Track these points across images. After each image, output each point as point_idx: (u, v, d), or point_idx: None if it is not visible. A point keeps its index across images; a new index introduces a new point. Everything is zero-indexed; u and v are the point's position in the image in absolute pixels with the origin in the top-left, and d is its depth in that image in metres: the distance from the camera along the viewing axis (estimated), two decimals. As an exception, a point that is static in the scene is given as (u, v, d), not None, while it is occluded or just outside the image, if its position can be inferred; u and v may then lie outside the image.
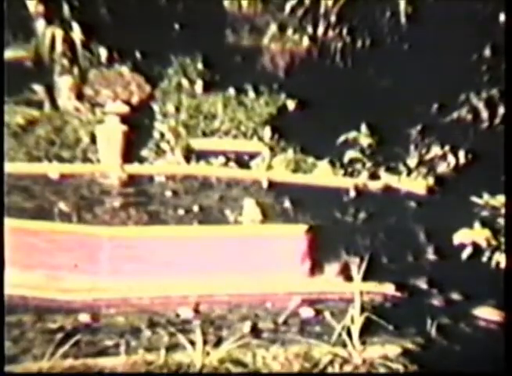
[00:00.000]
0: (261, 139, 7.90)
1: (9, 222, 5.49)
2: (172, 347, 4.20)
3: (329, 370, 4.14)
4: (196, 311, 4.85)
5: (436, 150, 6.45)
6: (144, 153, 7.74)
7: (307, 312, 4.95)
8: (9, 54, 7.42)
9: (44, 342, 4.19)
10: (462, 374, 4.14)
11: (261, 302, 5.06)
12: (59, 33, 7.31)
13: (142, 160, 7.68)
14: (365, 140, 7.25)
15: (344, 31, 6.87)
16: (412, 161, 6.67)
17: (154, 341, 4.35)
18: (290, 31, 7.34)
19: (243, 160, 7.81)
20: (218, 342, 4.30)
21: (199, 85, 8.04)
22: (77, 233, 5.36)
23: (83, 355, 4.06)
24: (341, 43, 6.92)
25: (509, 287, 4.62)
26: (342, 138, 7.47)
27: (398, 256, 5.57)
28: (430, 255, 5.64)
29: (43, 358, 3.91)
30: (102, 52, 7.61)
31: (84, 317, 4.60)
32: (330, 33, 6.94)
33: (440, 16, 6.16)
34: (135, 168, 7.61)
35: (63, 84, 7.71)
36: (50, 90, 7.68)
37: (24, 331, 4.38)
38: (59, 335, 4.26)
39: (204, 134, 8.07)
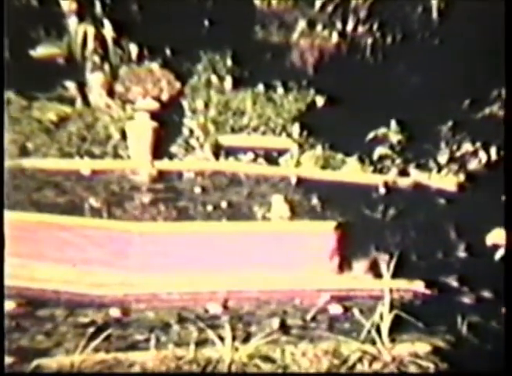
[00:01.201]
0: (289, 135, 7.89)
1: (41, 217, 5.57)
2: (201, 342, 4.23)
3: (359, 367, 4.13)
4: (225, 307, 4.87)
5: (467, 147, 6.38)
6: (173, 149, 7.78)
7: (335, 309, 4.94)
8: (42, 51, 7.51)
9: (76, 336, 4.24)
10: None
11: (290, 299, 5.06)
12: (90, 30, 7.38)
13: (171, 156, 7.73)
14: (394, 136, 7.20)
15: (375, 27, 6.82)
16: (442, 158, 6.61)
17: (184, 336, 4.38)
18: (319, 27, 7.31)
19: (271, 157, 7.80)
20: (247, 338, 4.32)
21: (228, 82, 8.05)
22: (107, 229, 5.41)
23: (114, 349, 4.11)
24: (371, 39, 6.87)
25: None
26: (371, 134, 7.43)
27: (427, 253, 5.53)
28: (461, 253, 5.58)
29: (75, 351, 3.96)
30: (133, 49, 7.66)
31: (114, 312, 4.65)
32: (360, 28, 6.89)
33: (472, 12, 6.09)
34: (164, 164, 7.66)
35: (95, 81, 7.79)
36: (82, 87, 7.77)
37: (57, 325, 4.44)
38: (91, 329, 4.31)
39: (233, 130, 8.09)
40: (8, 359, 3.91)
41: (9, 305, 4.64)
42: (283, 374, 3.93)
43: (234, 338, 4.18)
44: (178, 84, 7.50)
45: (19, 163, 7.31)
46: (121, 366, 3.95)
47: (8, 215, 5.61)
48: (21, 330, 4.34)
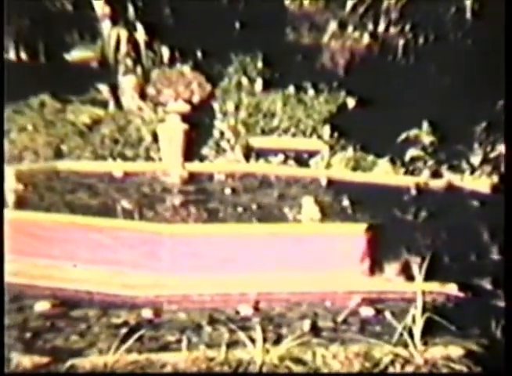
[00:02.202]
0: (320, 137, 7.87)
1: (74, 218, 5.63)
2: (233, 344, 4.23)
3: (391, 370, 4.10)
4: (256, 308, 4.87)
5: (501, 148, 6.29)
6: (204, 151, 7.81)
7: (367, 312, 4.91)
8: (76, 55, 7.62)
9: (109, 337, 4.28)
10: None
11: (321, 301, 5.05)
12: (123, 33, 7.46)
13: (202, 158, 7.76)
14: (427, 138, 7.14)
15: (407, 28, 6.77)
16: (475, 159, 6.53)
17: (215, 337, 4.39)
18: (350, 29, 7.29)
19: (302, 159, 7.79)
20: (278, 340, 4.31)
21: (258, 84, 8.06)
22: (139, 230, 5.46)
23: (146, 350, 4.14)
24: (403, 40, 6.82)
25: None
26: (403, 135, 7.37)
27: (460, 256, 5.47)
28: (495, 255, 5.51)
29: (108, 352, 4.00)
30: (165, 52, 7.73)
31: (146, 313, 4.68)
32: (392, 29, 6.85)
33: (506, 12, 6.01)
34: (195, 166, 7.69)
35: (127, 83, 7.87)
36: (114, 90, 7.85)
37: (90, 326, 4.49)
38: (123, 330, 4.35)
39: (264, 132, 8.10)
40: (42, 359, 3.97)
41: (44, 306, 4.70)
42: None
43: (265, 340, 4.18)
44: (208, 87, 7.53)
45: (53, 165, 7.41)
46: (154, 366, 3.98)
47: (42, 216, 5.70)
48: (56, 331, 4.40)
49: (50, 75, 7.72)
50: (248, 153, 7.92)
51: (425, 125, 7.10)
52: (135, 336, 4.17)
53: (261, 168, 7.86)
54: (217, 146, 7.90)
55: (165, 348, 4.21)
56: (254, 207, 6.35)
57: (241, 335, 4.23)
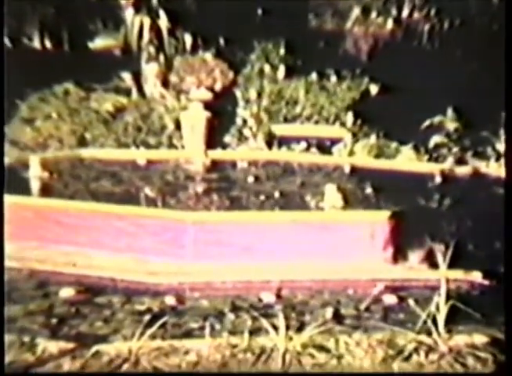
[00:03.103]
0: (343, 124, 7.84)
1: (98, 206, 5.67)
2: (255, 331, 4.24)
3: (414, 357, 4.07)
4: (278, 296, 4.87)
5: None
6: (227, 139, 7.82)
7: (390, 299, 4.88)
8: (100, 43, 7.64)
9: (133, 323, 4.30)
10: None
11: (343, 288, 5.03)
12: (146, 21, 7.47)
13: (224, 146, 7.78)
14: (451, 124, 7.06)
15: (432, 12, 6.67)
16: (501, 146, 6.44)
17: (238, 324, 4.40)
18: (373, 14, 7.22)
19: (324, 146, 7.76)
20: (301, 327, 4.31)
21: (281, 71, 8.03)
22: (162, 218, 5.47)
23: (169, 336, 4.16)
24: (428, 25, 6.73)
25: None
26: (427, 122, 7.31)
27: (485, 243, 5.41)
28: (520, 243, 5.44)
29: (132, 338, 4.02)
30: (187, 39, 7.72)
31: (170, 300, 4.70)
32: (416, 15, 6.76)
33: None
34: (217, 153, 7.71)
35: (150, 71, 7.89)
36: (137, 77, 7.87)
37: (114, 312, 4.52)
38: (147, 317, 4.37)
39: (286, 119, 8.08)
40: (68, 345, 4.01)
41: (69, 292, 4.75)
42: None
43: (288, 327, 4.17)
44: (231, 74, 7.53)
45: (77, 153, 7.47)
46: (177, 353, 4.00)
47: (66, 203, 5.74)
48: (80, 317, 4.44)
49: (74, 63, 7.76)
50: (271, 140, 7.90)
51: (450, 112, 7.02)
52: (159, 323, 4.19)
53: (283, 155, 7.84)
54: (239, 134, 7.90)
55: (188, 334, 4.23)
56: (277, 194, 6.34)
57: (264, 322, 4.23)
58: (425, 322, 4.30)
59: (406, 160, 7.26)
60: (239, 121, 7.83)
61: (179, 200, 6.16)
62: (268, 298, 4.87)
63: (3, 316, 3.92)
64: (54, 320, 4.38)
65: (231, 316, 4.54)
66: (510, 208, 4.53)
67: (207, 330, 4.18)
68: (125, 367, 3.88)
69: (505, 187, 4.75)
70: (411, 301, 4.72)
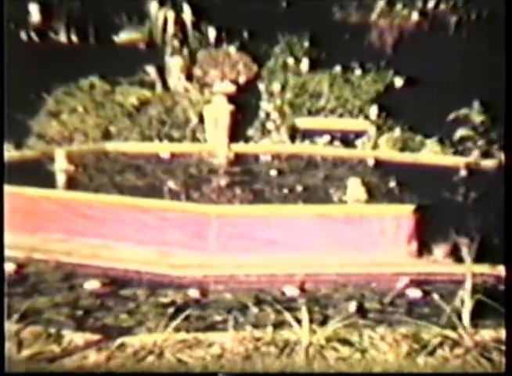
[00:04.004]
0: (367, 117, 7.79)
1: (123, 199, 5.70)
2: (279, 324, 4.24)
3: (439, 352, 4.04)
4: (302, 289, 4.87)
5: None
6: (250, 132, 7.82)
7: (414, 293, 4.86)
8: (125, 36, 7.68)
9: (157, 316, 4.33)
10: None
11: (367, 282, 5.01)
12: (170, 14, 7.49)
13: (248, 139, 7.78)
14: (477, 117, 6.99)
15: (459, 3, 6.59)
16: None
17: (261, 317, 4.40)
18: (399, 6, 7.15)
19: (348, 139, 7.73)
20: (324, 321, 4.30)
21: (305, 64, 8.00)
22: (185, 211, 5.49)
23: (193, 329, 4.17)
24: (455, 16, 6.65)
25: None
26: (453, 115, 7.24)
27: (511, 237, 5.35)
28: (547, 237, 5.37)
29: (156, 330, 4.05)
30: (211, 33, 7.73)
31: (193, 293, 4.72)
32: (442, 6, 6.68)
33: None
34: (241, 147, 7.71)
35: (174, 65, 7.91)
36: (161, 71, 7.90)
37: (139, 304, 4.55)
38: (171, 309, 4.39)
39: (310, 113, 8.05)
40: (94, 337, 4.04)
41: (94, 285, 4.79)
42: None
43: (311, 321, 4.17)
44: (255, 67, 7.52)
45: (102, 146, 7.52)
46: (201, 345, 4.01)
47: (92, 197, 5.79)
48: (105, 309, 4.47)
49: (99, 57, 7.81)
50: (294, 133, 7.89)
51: (476, 104, 6.94)
52: (183, 315, 4.21)
53: (306, 148, 7.82)
54: (262, 127, 7.89)
55: (212, 327, 4.25)
56: (300, 188, 6.33)
57: (287, 316, 4.23)
58: (450, 316, 4.27)
59: (431, 153, 7.20)
60: (262, 115, 7.82)
61: (202, 193, 6.17)
62: (292, 291, 4.87)
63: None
64: (80, 312, 4.42)
65: (254, 310, 4.54)
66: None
67: (231, 323, 4.19)
68: (150, 359, 3.91)
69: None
70: (436, 296, 4.69)
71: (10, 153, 7.34)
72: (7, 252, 5.23)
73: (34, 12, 7.39)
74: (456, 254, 5.23)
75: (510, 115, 4.86)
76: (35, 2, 7.29)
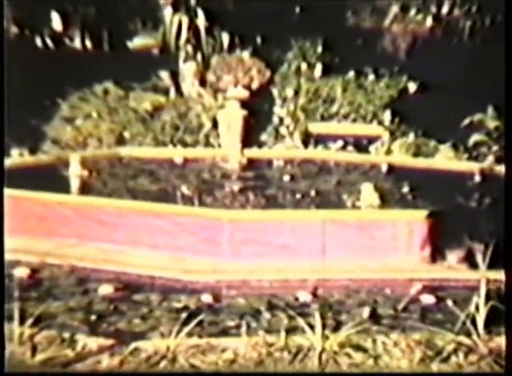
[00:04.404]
0: (381, 122, 7.78)
1: (136, 204, 5.72)
2: (292, 330, 4.23)
3: (453, 359, 4.02)
4: (315, 295, 4.86)
5: None
6: (263, 137, 7.84)
7: (428, 299, 4.83)
8: (138, 42, 7.72)
9: (170, 321, 4.34)
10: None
11: (380, 288, 4.99)
12: (184, 20, 7.52)
13: (261, 144, 7.79)
14: (491, 122, 6.96)
15: (473, 9, 6.57)
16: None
17: (274, 323, 4.40)
18: (412, 11, 7.14)
19: (361, 145, 7.72)
20: (337, 327, 4.29)
21: (318, 69, 8.01)
22: (198, 216, 5.50)
23: (206, 334, 4.18)
24: (469, 21, 6.62)
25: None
26: (467, 120, 7.21)
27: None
28: (562, 244, 5.33)
29: (169, 336, 4.06)
30: (225, 38, 7.75)
31: (206, 298, 4.73)
32: (456, 11, 6.67)
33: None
34: (254, 152, 7.72)
35: (187, 70, 7.94)
36: (175, 76, 7.93)
37: (152, 309, 4.56)
38: (184, 314, 4.40)
39: (323, 118, 8.05)
40: (107, 341, 4.06)
41: (107, 289, 4.80)
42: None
43: (324, 327, 4.16)
44: (268, 73, 7.53)
45: (116, 151, 7.56)
46: (214, 351, 4.02)
47: (105, 201, 5.81)
48: (119, 314, 4.49)
49: (113, 63, 7.85)
50: (307, 139, 7.89)
51: (490, 110, 6.91)
52: (196, 320, 4.21)
53: (319, 154, 7.82)
54: (276, 133, 7.90)
55: (225, 332, 4.25)
56: (313, 193, 6.32)
57: (300, 321, 4.23)
58: (464, 323, 4.25)
59: (445, 158, 7.18)
60: (275, 120, 7.83)
61: (215, 198, 6.18)
62: (305, 297, 4.87)
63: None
64: (93, 317, 4.44)
65: (267, 315, 4.54)
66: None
67: (244, 329, 4.19)
68: (163, 364, 3.92)
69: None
70: (449, 302, 4.67)
71: (25, 158, 7.40)
72: (21, 257, 5.30)
73: (56, 20, 7.44)
74: (470, 260, 5.21)
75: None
76: (55, 10, 7.35)
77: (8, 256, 5.28)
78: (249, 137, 7.35)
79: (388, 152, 7.49)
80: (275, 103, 7.85)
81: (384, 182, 6.51)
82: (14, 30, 7.70)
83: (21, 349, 3.95)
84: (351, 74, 7.95)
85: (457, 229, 5.43)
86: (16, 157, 7.40)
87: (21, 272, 5.05)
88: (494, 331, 4.21)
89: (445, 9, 6.85)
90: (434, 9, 7.01)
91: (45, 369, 3.83)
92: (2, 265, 4.32)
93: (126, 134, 7.85)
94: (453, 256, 5.38)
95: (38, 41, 7.91)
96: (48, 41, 7.73)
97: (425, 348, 4.08)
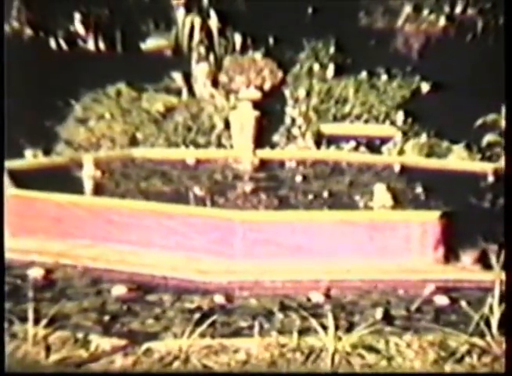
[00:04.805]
0: (393, 123, 7.77)
1: (149, 205, 5.74)
2: (304, 330, 4.23)
3: (467, 360, 4.00)
4: (327, 296, 4.85)
5: None
6: (275, 138, 7.84)
7: (441, 300, 4.81)
8: (151, 43, 7.76)
9: (183, 321, 4.34)
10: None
11: (393, 289, 4.98)
12: (197, 21, 7.54)
13: (273, 145, 7.79)
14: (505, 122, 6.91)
15: (487, 7, 6.53)
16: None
17: (286, 324, 4.39)
18: (425, 11, 7.12)
19: (374, 145, 7.71)
20: (350, 328, 4.28)
21: (330, 69, 8.00)
22: (210, 217, 5.50)
23: (219, 335, 4.18)
24: (482, 20, 6.59)
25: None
26: (480, 121, 7.18)
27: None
28: None
29: (182, 336, 4.06)
30: (237, 39, 7.77)
31: (219, 298, 4.73)
32: (470, 11, 6.63)
33: None
34: (266, 153, 7.72)
35: (200, 71, 7.96)
36: (187, 78, 7.96)
37: (165, 310, 4.57)
38: (197, 315, 4.40)
39: (335, 118, 8.05)
40: (120, 342, 4.07)
41: (120, 290, 4.82)
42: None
43: (337, 328, 4.15)
44: (280, 74, 7.53)
45: (129, 152, 7.59)
46: (227, 351, 4.02)
47: (118, 202, 5.83)
48: (132, 314, 4.50)
49: (126, 64, 7.89)
50: (319, 139, 7.88)
51: (504, 110, 6.86)
52: (208, 321, 4.22)
53: (332, 154, 7.81)
54: (288, 133, 7.90)
55: (237, 333, 4.25)
56: (325, 194, 6.31)
57: (313, 322, 4.22)
58: (478, 324, 4.22)
59: (458, 159, 7.15)
60: (287, 121, 7.84)
61: (228, 199, 6.19)
62: (317, 297, 4.86)
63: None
64: (107, 317, 4.45)
65: (280, 316, 4.54)
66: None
67: (256, 329, 4.19)
68: (176, 365, 3.92)
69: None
70: (463, 303, 4.64)
71: (39, 159, 7.45)
72: (36, 258, 5.33)
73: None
74: (484, 261, 5.18)
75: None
76: (69, 12, 7.40)
77: (22, 257, 5.36)
78: (261, 138, 7.36)
79: (401, 152, 7.47)
80: (287, 104, 7.85)
81: (396, 182, 6.49)
82: (29, 32, 7.75)
83: (35, 350, 3.97)
84: (364, 74, 7.93)
85: (471, 229, 5.40)
86: (30, 158, 7.45)
87: (35, 273, 5.07)
88: (509, 332, 4.18)
89: (458, 9, 6.81)
90: (447, 9, 6.98)
91: (59, 369, 3.85)
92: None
93: (139, 135, 7.88)
94: (467, 257, 5.35)
95: (52, 43, 7.96)
96: (62, 43, 7.78)
97: (438, 350, 4.06)
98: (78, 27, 6.95)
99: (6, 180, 6.09)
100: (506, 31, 4.97)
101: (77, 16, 7.18)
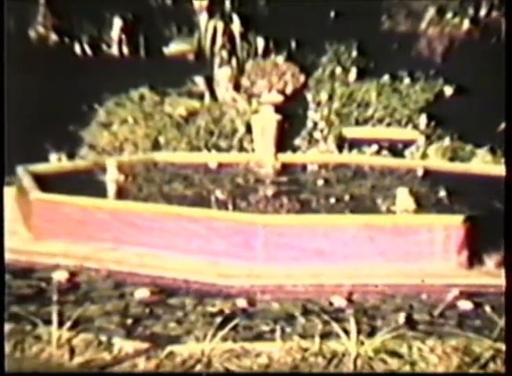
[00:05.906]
0: (416, 126, 7.73)
1: (171, 208, 5.77)
2: (326, 335, 4.22)
3: (491, 366, 3.96)
4: (349, 300, 4.84)
5: None
6: (297, 142, 7.84)
7: (465, 305, 4.77)
8: (174, 48, 7.80)
9: (205, 325, 4.35)
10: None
11: (416, 293, 4.94)
12: (220, 25, 7.58)
13: (295, 149, 7.79)
14: (530, 126, 6.84)
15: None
16: None
17: (308, 328, 4.39)
18: (449, 14, 7.07)
19: (396, 149, 7.67)
20: (372, 332, 4.26)
21: (353, 73, 7.99)
22: (232, 221, 5.51)
23: (241, 339, 4.18)
24: (507, 23, 6.52)
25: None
26: (504, 124, 7.10)
27: None
28: None
29: (204, 340, 4.07)
30: (259, 43, 7.79)
31: (241, 302, 4.73)
32: (494, 13, 6.58)
33: None
34: (288, 156, 7.72)
35: (222, 75, 7.99)
36: (210, 82, 7.99)
37: (187, 313, 4.58)
38: (219, 319, 4.41)
39: (357, 122, 8.02)
40: (143, 345, 4.09)
41: (144, 293, 4.85)
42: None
43: (359, 332, 4.14)
44: (302, 77, 7.52)
45: (151, 156, 7.64)
46: (249, 355, 4.02)
47: (141, 206, 5.87)
48: (154, 317, 4.52)
49: (149, 69, 7.95)
50: (341, 143, 7.87)
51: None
52: (230, 325, 4.22)
53: (354, 158, 7.78)
54: (310, 137, 7.90)
55: (259, 337, 4.25)
56: (347, 198, 6.29)
57: (335, 326, 4.21)
58: (502, 329, 4.18)
59: (482, 162, 7.09)
60: (309, 124, 7.83)
61: (249, 203, 6.20)
62: (340, 302, 4.84)
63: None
64: (129, 320, 4.48)
65: (302, 320, 4.53)
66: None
67: (278, 333, 4.19)
68: (198, 368, 3.94)
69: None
70: (487, 308, 4.60)
71: (63, 163, 7.52)
72: (60, 261, 5.38)
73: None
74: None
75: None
76: (92, 17, 7.48)
77: (47, 260, 5.41)
78: (283, 142, 7.35)
79: (424, 156, 7.43)
80: (309, 108, 7.85)
81: (419, 186, 6.45)
82: (54, 37, 7.85)
83: (59, 352, 4.00)
84: (386, 77, 7.90)
85: (495, 233, 5.35)
86: (55, 162, 7.53)
87: (60, 276, 5.12)
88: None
89: (483, 12, 6.76)
90: (471, 12, 6.93)
91: (83, 372, 3.88)
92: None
93: (161, 139, 7.92)
94: (491, 261, 5.31)
95: (77, 48, 8.04)
96: (87, 48, 7.86)
97: (462, 355, 4.02)
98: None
99: (31, 184, 6.16)
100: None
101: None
